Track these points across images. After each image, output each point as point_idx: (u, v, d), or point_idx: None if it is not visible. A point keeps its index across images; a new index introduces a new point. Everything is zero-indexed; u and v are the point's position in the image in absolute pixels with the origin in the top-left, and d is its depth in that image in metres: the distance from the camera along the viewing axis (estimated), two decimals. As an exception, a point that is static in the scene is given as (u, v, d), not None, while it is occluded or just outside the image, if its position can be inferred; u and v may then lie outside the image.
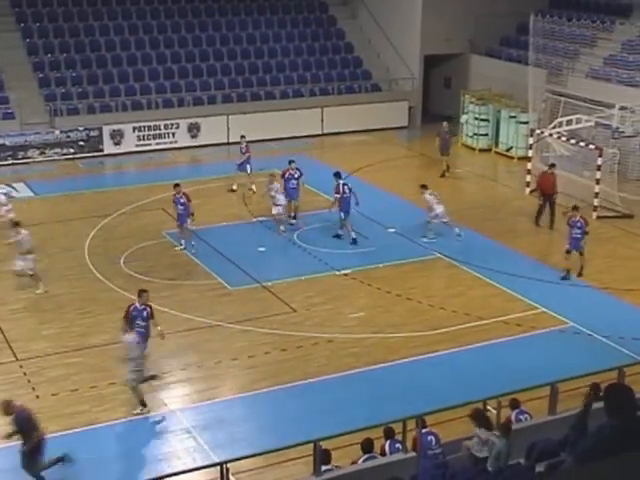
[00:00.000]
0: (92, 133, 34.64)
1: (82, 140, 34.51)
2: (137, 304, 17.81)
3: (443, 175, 31.78)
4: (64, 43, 37.85)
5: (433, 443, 13.67)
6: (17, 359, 18.71)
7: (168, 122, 35.69)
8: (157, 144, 35.47)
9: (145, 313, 17.72)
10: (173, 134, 35.73)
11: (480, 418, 13.08)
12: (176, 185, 25.16)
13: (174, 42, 39.34)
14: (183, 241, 24.98)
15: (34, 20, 38.36)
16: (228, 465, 12.05)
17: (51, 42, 37.76)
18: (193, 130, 35.97)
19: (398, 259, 24.38)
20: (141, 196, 29.14)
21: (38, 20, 38.41)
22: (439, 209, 25.54)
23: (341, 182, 25.85)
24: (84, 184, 31.28)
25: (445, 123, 32.44)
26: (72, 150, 34.36)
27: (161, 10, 40.43)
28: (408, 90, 39.88)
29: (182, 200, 24.72)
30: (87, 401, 17.12)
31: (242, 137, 30.61)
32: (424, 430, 13.63)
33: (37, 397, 17.20)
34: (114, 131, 34.93)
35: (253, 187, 29.36)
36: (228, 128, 36.13)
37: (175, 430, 16.36)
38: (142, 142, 35.34)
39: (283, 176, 26.65)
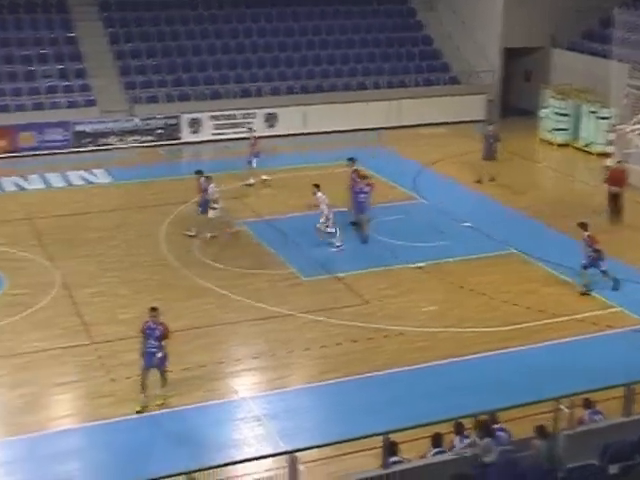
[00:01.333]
0: (170, 121, 35.06)
1: (161, 128, 34.96)
2: (150, 322, 16.68)
3: (480, 181, 30.29)
4: (145, 32, 38.36)
5: (504, 440, 13.54)
6: (94, 342, 19.06)
7: (245, 112, 35.93)
8: (234, 133, 35.67)
9: (157, 332, 16.50)
10: (250, 123, 35.91)
11: (482, 428, 13.05)
12: (198, 172, 25.56)
13: (253, 32, 39.55)
14: (193, 229, 25.20)
15: (117, 9, 38.94)
16: (297, 454, 12.10)
17: (132, 31, 38.28)
18: (270, 120, 36.13)
19: (472, 253, 24.16)
20: (217, 183, 29.33)
21: (120, 9, 38.97)
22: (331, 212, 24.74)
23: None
24: (161, 171, 31.67)
25: (491, 127, 31.44)
26: (151, 138, 34.83)
27: (241, 0, 40.67)
28: (487, 83, 39.43)
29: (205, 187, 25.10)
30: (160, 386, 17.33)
31: (251, 130, 30.89)
32: (495, 426, 13.51)
33: (112, 380, 17.51)
34: (192, 120, 35.30)
35: (251, 180, 29.43)
36: (305, 119, 36.21)
37: (246, 417, 16.49)
38: (219, 131, 35.65)
39: (351, 188, 25.56)
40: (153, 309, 16.82)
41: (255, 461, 13.89)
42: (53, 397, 17.17)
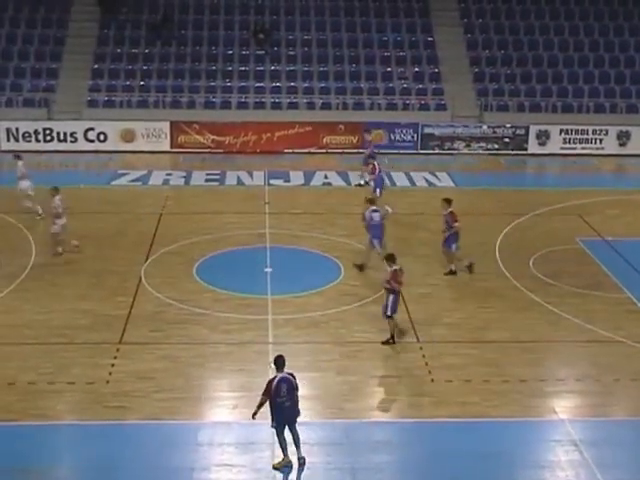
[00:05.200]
0: (518, 131, 34.83)
1: (508, 137, 34.83)
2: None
3: None
4: (503, 40, 38.36)
5: None
6: (418, 341, 19.36)
7: (597, 127, 34.87)
8: (583, 149, 34.83)
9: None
10: (601, 140, 34.83)
11: None
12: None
13: (614, 46, 38.23)
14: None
15: (477, 16, 39.33)
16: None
17: (491, 38, 38.44)
18: (622, 138, 34.78)
19: None
20: (559, 199, 28.75)
21: (481, 16, 39.31)
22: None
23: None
24: (504, 181, 31.58)
25: None
26: (497, 146, 34.84)
27: (605, 12, 39.51)
28: None
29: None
30: (478, 394, 17.25)
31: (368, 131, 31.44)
32: None
33: (432, 380, 17.69)
34: (540, 131, 34.82)
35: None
36: (660, 139, 34.50)
37: (562, 440, 15.96)
38: (567, 145, 34.89)
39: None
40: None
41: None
42: (374, 388, 17.66)
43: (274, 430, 14.72)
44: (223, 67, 37.10)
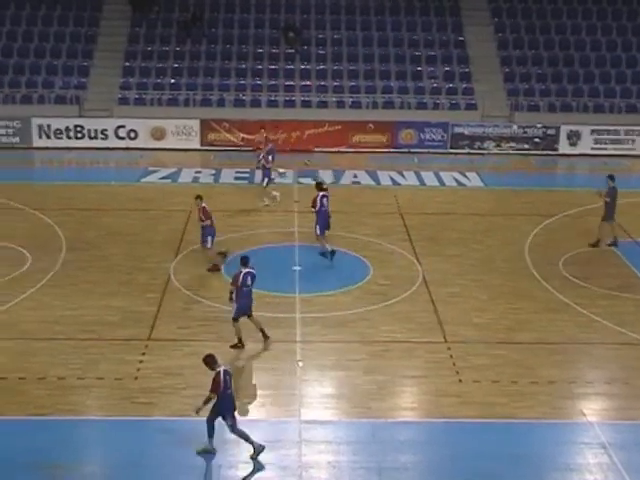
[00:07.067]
0: (549, 131, 34.62)
1: (538, 137, 34.63)
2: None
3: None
4: (534, 40, 38.13)
5: None
6: (446, 341, 19.30)
7: (629, 128, 34.58)
8: (614, 149, 34.55)
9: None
10: (632, 141, 34.54)
11: None
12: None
13: (647, 46, 38.01)
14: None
15: (508, 15, 39.10)
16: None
17: (522, 38, 38.23)
18: (653, 138, 34.55)
19: None
20: (589, 200, 28.49)
21: (512, 16, 39.08)
22: None
23: (320, 194, 23.44)
24: (534, 181, 31.42)
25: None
26: (527, 146, 34.64)
27: (639, 11, 39.13)
28: None
29: None
30: (507, 394, 17.17)
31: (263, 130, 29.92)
32: None
33: (460, 381, 17.62)
34: (571, 131, 34.59)
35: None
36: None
37: (590, 443, 15.86)
38: (599, 145, 34.62)
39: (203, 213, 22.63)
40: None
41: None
42: (401, 388, 17.63)
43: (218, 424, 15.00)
44: (253, 65, 37.15)
